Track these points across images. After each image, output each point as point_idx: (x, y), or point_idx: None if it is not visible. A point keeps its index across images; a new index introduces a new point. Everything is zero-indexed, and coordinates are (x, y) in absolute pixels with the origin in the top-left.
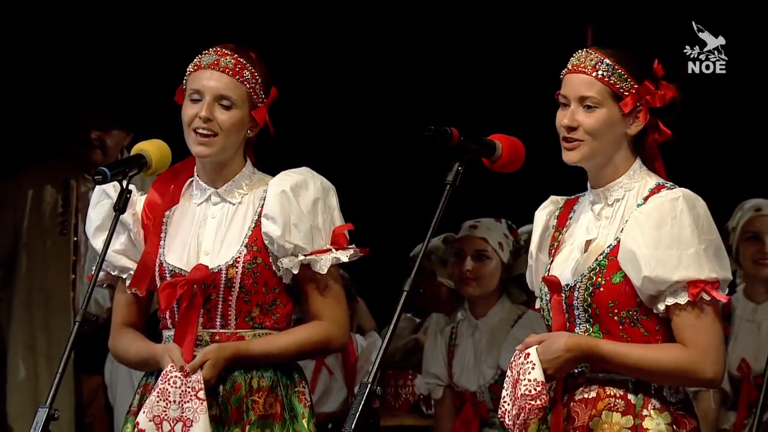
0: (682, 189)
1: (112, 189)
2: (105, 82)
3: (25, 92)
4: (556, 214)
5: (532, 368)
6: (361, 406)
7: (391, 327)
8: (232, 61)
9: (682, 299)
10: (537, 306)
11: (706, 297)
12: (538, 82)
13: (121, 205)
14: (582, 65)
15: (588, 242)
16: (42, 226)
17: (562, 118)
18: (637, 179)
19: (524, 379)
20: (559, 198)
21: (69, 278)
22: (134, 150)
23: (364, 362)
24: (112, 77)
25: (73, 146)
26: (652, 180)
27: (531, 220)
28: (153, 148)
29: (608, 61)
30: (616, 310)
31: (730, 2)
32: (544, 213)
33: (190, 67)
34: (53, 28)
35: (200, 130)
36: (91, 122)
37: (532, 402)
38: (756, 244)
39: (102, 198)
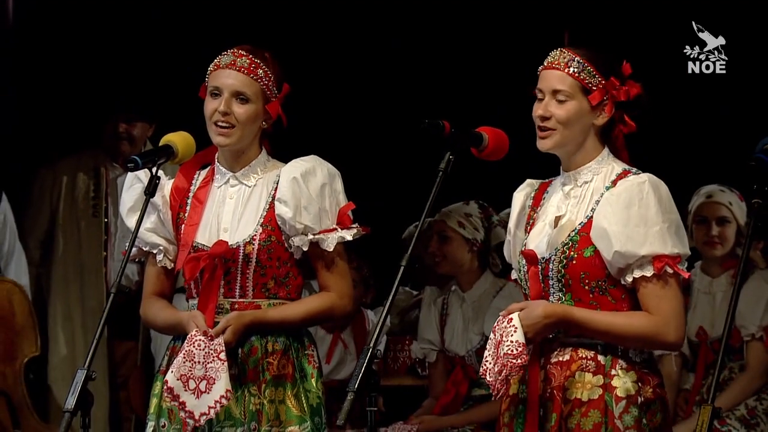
0: (647, 174)
1: (143, 174)
2: (119, 77)
3: (59, 90)
4: (532, 195)
5: (514, 331)
6: (363, 368)
7: (390, 298)
8: (247, 60)
9: (648, 272)
10: (514, 277)
11: (669, 270)
12: (522, 80)
13: (150, 189)
14: (556, 62)
15: (557, 218)
16: (76, 210)
17: (537, 109)
18: (605, 165)
19: (507, 341)
20: (534, 181)
21: (101, 255)
22: (163, 141)
23: None
24: (124, 73)
25: (105, 138)
26: (619, 166)
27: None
28: (179, 139)
29: (579, 59)
30: (587, 281)
31: (730, 2)
32: (522, 194)
33: (210, 67)
34: (68, 28)
35: (220, 123)
36: (118, 116)
37: (514, 360)
38: (704, 228)
39: (134, 182)
